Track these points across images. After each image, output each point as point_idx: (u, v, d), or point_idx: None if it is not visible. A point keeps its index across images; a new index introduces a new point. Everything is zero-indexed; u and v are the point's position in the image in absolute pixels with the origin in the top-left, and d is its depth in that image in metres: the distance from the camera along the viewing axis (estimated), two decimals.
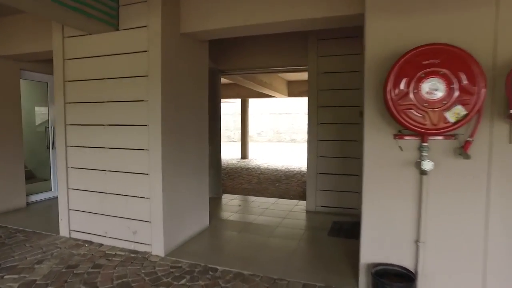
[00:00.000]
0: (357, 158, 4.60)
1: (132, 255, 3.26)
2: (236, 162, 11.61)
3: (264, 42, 5.24)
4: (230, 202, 5.54)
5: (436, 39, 2.20)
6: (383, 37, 2.45)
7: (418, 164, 2.34)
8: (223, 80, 8.71)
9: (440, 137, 2.29)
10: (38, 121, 7.16)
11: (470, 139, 2.19)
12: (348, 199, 4.72)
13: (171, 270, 2.96)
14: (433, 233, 2.37)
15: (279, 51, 5.20)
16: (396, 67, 2.19)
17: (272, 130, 22.28)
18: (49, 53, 3.77)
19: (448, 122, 2.09)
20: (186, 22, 3.33)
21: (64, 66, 3.61)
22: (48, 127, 5.60)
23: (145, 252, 3.30)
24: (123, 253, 3.29)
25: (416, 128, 2.19)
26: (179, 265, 3.06)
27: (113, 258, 3.19)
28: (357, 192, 4.64)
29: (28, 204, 5.09)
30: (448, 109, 2.09)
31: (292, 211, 4.92)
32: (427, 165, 2.25)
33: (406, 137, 2.39)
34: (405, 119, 2.21)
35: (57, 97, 3.67)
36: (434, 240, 2.38)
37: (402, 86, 2.19)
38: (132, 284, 2.70)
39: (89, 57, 3.48)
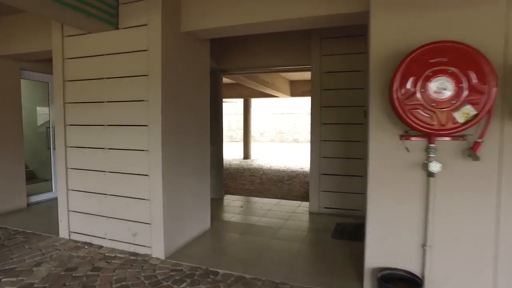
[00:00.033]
0: (361, 159, 4.53)
1: (132, 257, 3.21)
2: (238, 162, 11.55)
3: (266, 41, 5.17)
4: (232, 203, 5.48)
5: (444, 37, 2.13)
6: (389, 35, 2.38)
7: (425, 166, 2.26)
8: (225, 80, 8.66)
9: (447, 138, 2.22)
10: (40, 121, 7.14)
11: (480, 140, 2.12)
12: (352, 200, 4.64)
13: (171, 273, 2.90)
14: (440, 236, 2.30)
15: (282, 50, 5.14)
16: (402, 66, 2.12)
17: (275, 130, 22.21)
18: (49, 53, 3.73)
19: (457, 122, 2.02)
20: (187, 21, 3.27)
21: (63, 65, 3.56)
22: (49, 128, 5.57)
23: (145, 255, 3.25)
24: (123, 256, 3.24)
25: (423, 129, 2.12)
26: (180, 268, 3.00)
27: (113, 261, 3.14)
28: (361, 193, 4.57)
29: (29, 204, 5.06)
30: (457, 109, 2.02)
31: (295, 213, 4.85)
32: (434, 167, 2.18)
33: (413, 138, 2.32)
34: (412, 120, 2.14)
35: (56, 97, 3.62)
36: (441, 244, 2.30)
37: (408, 85, 2.12)
38: None
39: (88, 56, 3.43)
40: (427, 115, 2.10)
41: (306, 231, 4.06)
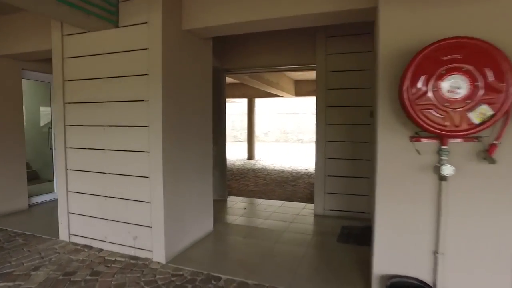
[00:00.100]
0: (367, 160, 4.41)
1: (132, 261, 3.13)
2: (242, 162, 11.46)
3: (271, 40, 5.08)
4: (236, 204, 5.39)
5: (458, 33, 2.01)
6: (398, 31, 2.27)
7: (437, 169, 2.15)
8: (229, 80, 8.59)
9: (460, 140, 2.10)
10: (43, 121, 7.12)
11: (496, 142, 2.00)
12: (358, 202, 4.53)
13: (172, 278, 2.81)
14: (453, 243, 2.18)
15: (286, 49, 5.03)
16: (413, 64, 2.01)
17: (279, 130, 22.09)
18: (50, 52, 3.66)
19: (472, 123, 1.91)
20: (189, 18, 3.19)
21: (63, 65, 3.49)
22: (51, 128, 5.52)
23: (146, 259, 3.17)
24: (123, 259, 3.16)
25: (436, 130, 2.01)
26: (181, 273, 2.91)
27: (113, 265, 3.06)
28: (367, 196, 4.46)
29: (30, 205, 5.01)
30: (471, 109, 1.90)
31: (299, 215, 4.75)
32: (447, 170, 2.07)
33: (423, 140, 2.21)
34: (423, 120, 2.03)
35: (56, 97, 3.56)
36: (455, 251, 2.19)
37: (420, 84, 2.01)
38: None
39: (88, 55, 3.36)
40: (440, 116, 1.99)
41: (311, 235, 3.96)
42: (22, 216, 4.58)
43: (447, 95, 1.95)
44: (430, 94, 2.00)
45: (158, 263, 3.09)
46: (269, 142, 21.54)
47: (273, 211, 4.93)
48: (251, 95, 11.90)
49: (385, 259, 2.39)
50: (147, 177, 3.12)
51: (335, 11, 2.71)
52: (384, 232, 2.38)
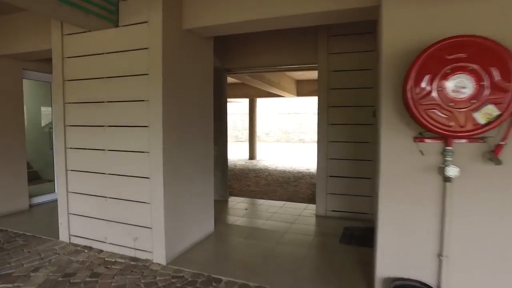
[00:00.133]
0: (369, 161, 4.38)
1: (133, 263, 3.10)
2: (243, 163, 11.43)
3: (272, 40, 5.04)
4: (237, 205, 5.36)
5: (463, 32, 1.97)
6: (402, 29, 2.23)
7: (441, 170, 2.11)
8: (231, 80, 8.55)
9: (464, 140, 2.06)
10: (44, 121, 7.12)
11: (502, 143, 1.96)
12: (360, 203, 4.49)
13: (173, 280, 2.78)
14: (458, 246, 2.15)
15: (288, 48, 4.99)
16: (417, 63, 1.98)
17: (281, 130, 22.05)
18: (50, 52, 3.63)
19: (478, 123, 1.87)
20: (189, 18, 3.16)
21: (63, 64, 3.47)
22: (52, 128, 5.51)
23: (146, 260, 3.14)
24: (123, 261, 3.14)
25: (440, 131, 1.97)
26: (181, 274, 2.89)
27: (113, 266, 3.03)
28: (369, 196, 4.42)
29: (31, 206, 4.99)
30: (477, 109, 1.86)
31: (301, 216, 4.71)
32: (452, 171, 2.03)
33: (427, 140, 2.17)
34: (427, 121, 1.99)
35: (56, 97, 3.54)
36: (459, 254, 2.15)
37: (424, 83, 1.97)
38: None
39: (88, 55, 3.33)
40: (444, 116, 1.95)
41: (313, 236, 3.92)
42: (23, 216, 4.56)
43: (452, 95, 1.91)
44: (434, 94, 1.96)
45: (159, 264, 3.06)
46: (270, 142, 21.50)
47: (275, 212, 4.90)
48: (253, 95, 11.87)
49: (388, 261, 2.36)
50: (147, 178, 3.09)
51: (337, 9, 2.68)
52: (387, 234, 2.34)
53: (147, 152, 3.08)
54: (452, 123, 1.94)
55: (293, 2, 2.75)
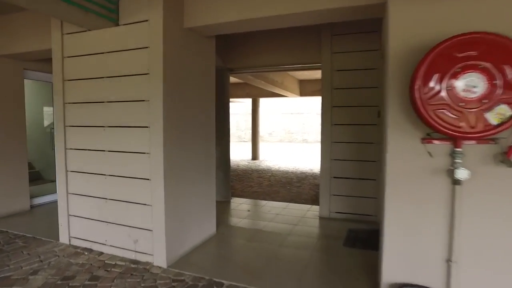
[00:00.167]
0: (374, 162, 4.30)
1: (133, 265, 3.05)
2: (246, 163, 11.37)
3: (275, 39, 4.97)
4: (239, 206, 5.30)
5: (474, 29, 1.89)
6: (409, 28, 2.16)
7: (450, 172, 2.04)
8: (233, 80, 8.50)
9: (475, 142, 1.98)
10: (46, 122, 7.11)
11: None
12: (364, 205, 4.41)
13: (173, 284, 2.73)
14: (468, 251, 2.07)
15: (291, 48, 4.92)
16: (426, 62, 1.90)
17: (284, 130, 21.98)
18: (51, 52, 3.59)
19: (490, 124, 1.79)
20: (191, 16, 3.10)
21: (63, 64, 3.42)
22: (53, 128, 5.46)
23: (147, 263, 3.08)
24: (123, 263, 3.09)
25: (450, 132, 1.89)
26: (182, 278, 2.83)
27: (112, 269, 2.98)
28: (374, 198, 4.34)
29: (32, 206, 4.96)
30: (489, 109, 1.79)
31: (304, 217, 4.64)
32: (461, 174, 1.95)
33: (435, 142, 2.10)
34: (436, 121, 1.92)
35: (56, 97, 3.49)
36: (469, 259, 2.07)
37: (432, 83, 1.90)
38: None
39: (88, 54, 3.29)
40: (454, 116, 1.88)
41: (316, 238, 3.85)
42: (24, 217, 4.53)
43: (462, 94, 1.83)
44: (443, 94, 1.89)
45: (159, 267, 3.01)
46: (273, 142, 21.43)
47: (277, 213, 4.83)
48: (255, 95, 11.80)
49: (394, 267, 2.28)
50: (148, 179, 3.04)
51: (342, 7, 2.61)
52: (393, 238, 2.27)
53: (147, 153, 3.02)
54: (462, 124, 1.86)
55: (296, 0, 2.68)
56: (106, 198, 3.29)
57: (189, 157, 3.31)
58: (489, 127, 1.80)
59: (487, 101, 1.79)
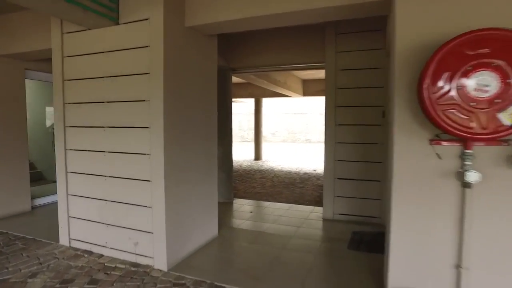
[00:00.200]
0: (379, 163, 4.22)
1: (133, 268, 2.99)
2: (249, 163, 11.31)
3: (278, 38, 4.91)
4: (242, 207, 5.23)
5: (487, 25, 1.81)
6: (417, 25, 2.08)
7: (460, 175, 1.96)
8: (236, 79, 8.44)
9: (486, 143, 1.91)
10: (49, 122, 7.10)
11: None
12: (369, 206, 4.33)
13: None
14: (479, 257, 1.99)
15: (294, 47, 4.85)
16: (435, 60, 1.83)
17: (287, 130, 21.90)
18: (51, 51, 3.55)
19: (503, 125, 1.71)
20: (192, 14, 3.04)
21: (63, 64, 3.38)
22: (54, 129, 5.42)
23: (147, 266, 3.03)
24: (123, 266, 3.03)
25: (460, 133, 1.82)
26: (183, 281, 2.77)
27: (112, 272, 2.93)
28: (378, 200, 4.26)
29: (34, 207, 4.92)
30: (502, 109, 1.71)
31: (307, 219, 4.57)
32: (472, 176, 1.87)
33: (444, 143, 2.02)
34: (445, 122, 1.84)
35: (55, 97, 3.45)
36: (481, 267, 1.99)
37: (442, 82, 1.82)
38: None
39: (88, 54, 3.24)
40: (465, 117, 1.80)
41: (320, 241, 3.78)
42: (24, 218, 4.49)
43: (474, 93, 1.76)
44: (453, 93, 1.81)
45: (160, 270, 2.95)
46: (276, 142, 21.36)
47: (280, 215, 4.77)
48: (258, 95, 11.73)
49: (401, 271, 2.21)
50: (148, 181, 2.98)
51: (347, 4, 2.53)
52: (400, 241, 2.19)
53: (148, 154, 2.96)
54: (473, 125, 1.79)
55: None
56: (106, 200, 3.24)
57: (191, 158, 3.25)
58: (502, 127, 1.72)
59: (500, 100, 1.71)
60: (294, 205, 5.39)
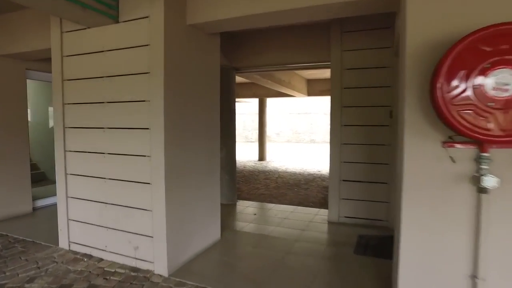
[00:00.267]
0: (386, 164, 4.11)
1: (133, 273, 2.91)
2: (253, 164, 11.21)
3: (283, 37, 4.81)
4: (245, 209, 5.14)
5: (506, 19, 1.69)
6: (430, 19, 1.97)
7: (475, 180, 1.84)
8: (240, 79, 8.35)
9: (506, 146, 1.79)
10: (52, 122, 7.05)
11: None
12: (375, 209, 4.22)
13: None
14: (497, 268, 1.87)
15: (299, 46, 4.75)
16: (449, 57, 1.71)
17: (291, 130, 21.76)
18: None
19: None
20: (193, 12, 2.95)
21: (62, 63, 3.31)
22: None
23: (147, 271, 2.95)
24: (123, 271, 2.95)
25: (477, 135, 1.70)
26: (184, 287, 2.68)
27: (112, 277, 2.85)
28: (385, 202, 4.14)
29: (35, 209, 4.87)
30: None
31: (312, 222, 4.46)
32: (489, 182, 1.76)
33: (458, 145, 1.90)
34: (460, 123, 1.73)
35: (55, 97, 3.38)
36: (498, 277, 1.87)
37: (457, 81, 1.71)
38: None
39: (87, 53, 3.16)
40: (482, 118, 1.68)
41: (325, 245, 3.67)
42: (25, 220, 4.44)
43: (492, 93, 1.64)
44: (469, 93, 1.69)
45: (160, 276, 2.86)
46: (281, 142, 21.23)
47: (285, 217, 4.66)
48: (262, 95, 11.63)
49: (411, 280, 2.09)
50: (148, 183, 2.90)
51: (353, 0, 2.43)
52: (410, 249, 2.08)
53: (148, 156, 2.88)
54: (491, 126, 1.67)
55: None
56: (106, 203, 3.16)
57: (192, 160, 3.16)
58: None
59: None
60: (298, 207, 5.29)
